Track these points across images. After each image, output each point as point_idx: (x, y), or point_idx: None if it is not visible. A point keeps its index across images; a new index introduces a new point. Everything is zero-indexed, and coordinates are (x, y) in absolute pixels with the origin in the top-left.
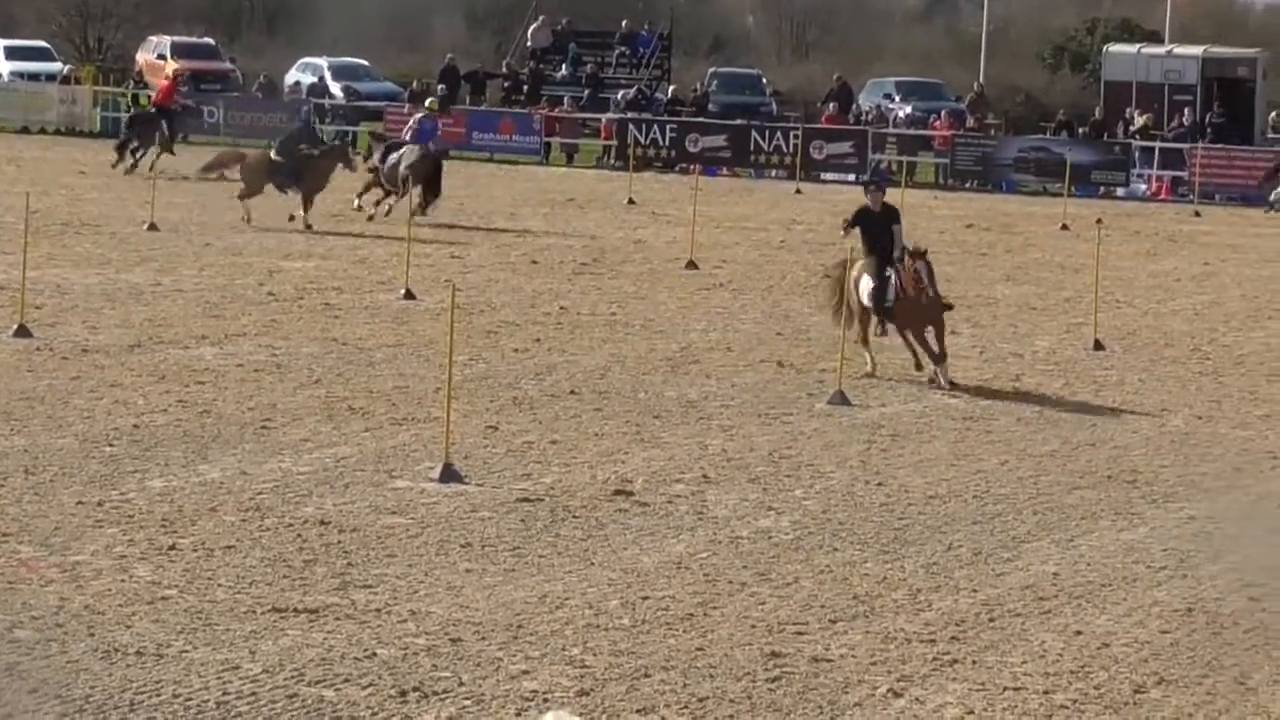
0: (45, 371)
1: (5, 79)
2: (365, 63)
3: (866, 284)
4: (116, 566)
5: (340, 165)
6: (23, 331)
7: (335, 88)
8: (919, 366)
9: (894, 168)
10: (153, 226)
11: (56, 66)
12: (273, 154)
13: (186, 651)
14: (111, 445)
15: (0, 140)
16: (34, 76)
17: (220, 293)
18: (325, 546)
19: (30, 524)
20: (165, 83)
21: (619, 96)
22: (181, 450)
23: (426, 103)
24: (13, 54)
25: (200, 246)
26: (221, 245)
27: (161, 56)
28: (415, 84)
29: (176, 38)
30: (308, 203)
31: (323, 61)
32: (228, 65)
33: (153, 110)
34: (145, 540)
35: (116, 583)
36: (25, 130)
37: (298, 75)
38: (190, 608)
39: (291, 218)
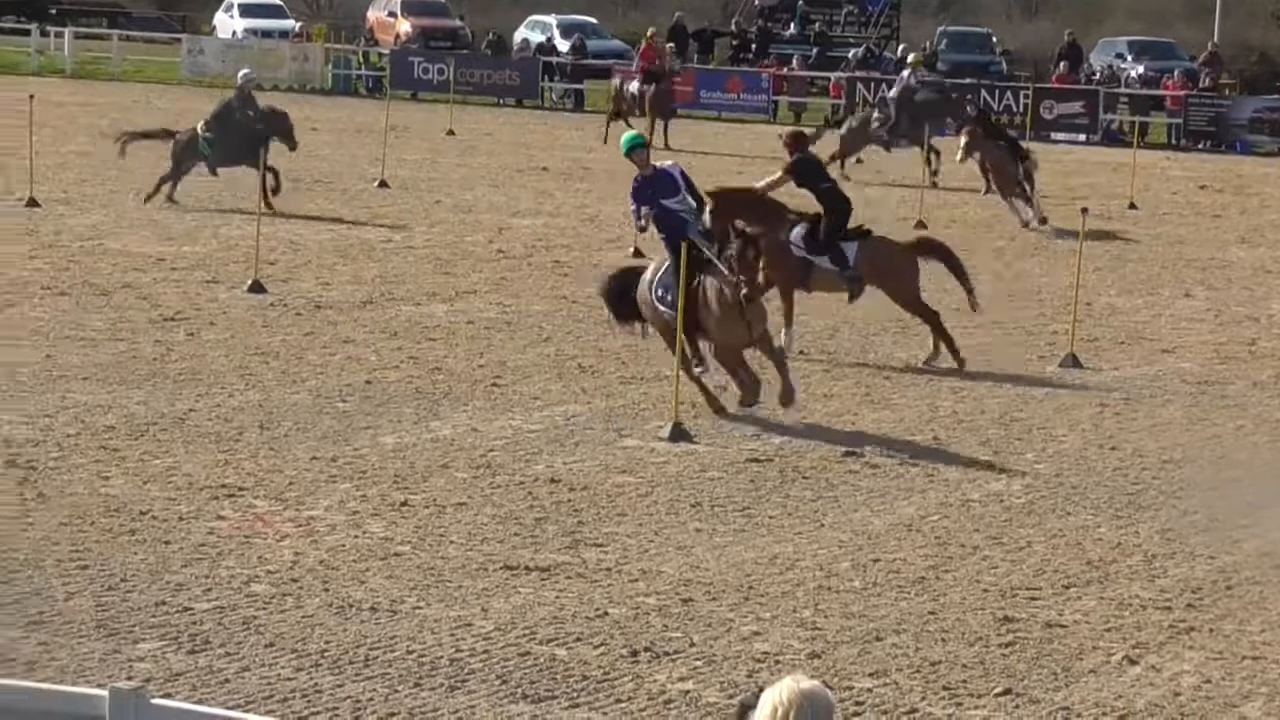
0: (279, 327)
1: (239, 36)
2: (594, 20)
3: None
4: (350, 522)
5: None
6: (257, 287)
7: (563, 45)
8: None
9: (1125, 128)
10: (383, 183)
11: (289, 24)
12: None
13: (420, 608)
14: (344, 401)
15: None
16: (267, 34)
17: (450, 249)
18: (556, 504)
19: (265, 479)
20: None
21: (849, 55)
22: (413, 407)
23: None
24: (247, 11)
25: (430, 203)
26: (451, 202)
27: (392, 14)
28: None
29: None
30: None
31: (551, 19)
32: (456, 23)
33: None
34: (378, 496)
35: (350, 538)
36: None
37: (526, 33)
38: (423, 564)
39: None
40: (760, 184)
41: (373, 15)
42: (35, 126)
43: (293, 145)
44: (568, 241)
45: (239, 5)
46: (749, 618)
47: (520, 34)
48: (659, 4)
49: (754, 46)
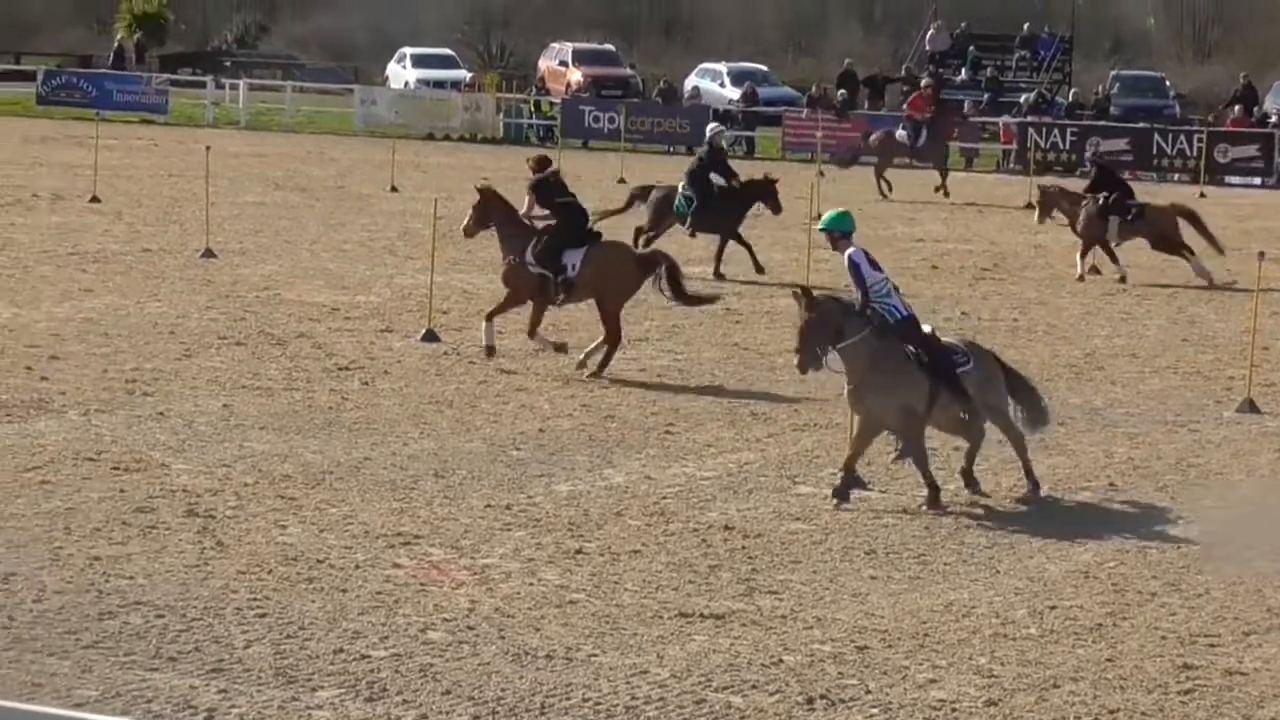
0: (452, 376)
1: (411, 86)
2: (764, 68)
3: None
4: (525, 570)
5: None
6: (431, 336)
7: (734, 93)
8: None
9: None
10: None
11: (461, 74)
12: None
13: (595, 655)
14: (518, 449)
15: (406, 147)
16: (439, 84)
17: None
18: (730, 552)
19: (441, 526)
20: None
21: (1020, 100)
22: (587, 454)
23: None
24: (419, 62)
25: None
26: None
27: (563, 63)
28: (814, 88)
29: (578, 44)
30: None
31: (721, 67)
32: (627, 71)
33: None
34: (553, 544)
35: (525, 586)
36: (430, 137)
37: (696, 80)
38: (598, 612)
39: None
40: (522, 210)
41: (544, 64)
42: (211, 178)
43: (777, 210)
44: (740, 290)
45: (411, 56)
46: (924, 665)
47: (690, 81)
48: (829, 51)
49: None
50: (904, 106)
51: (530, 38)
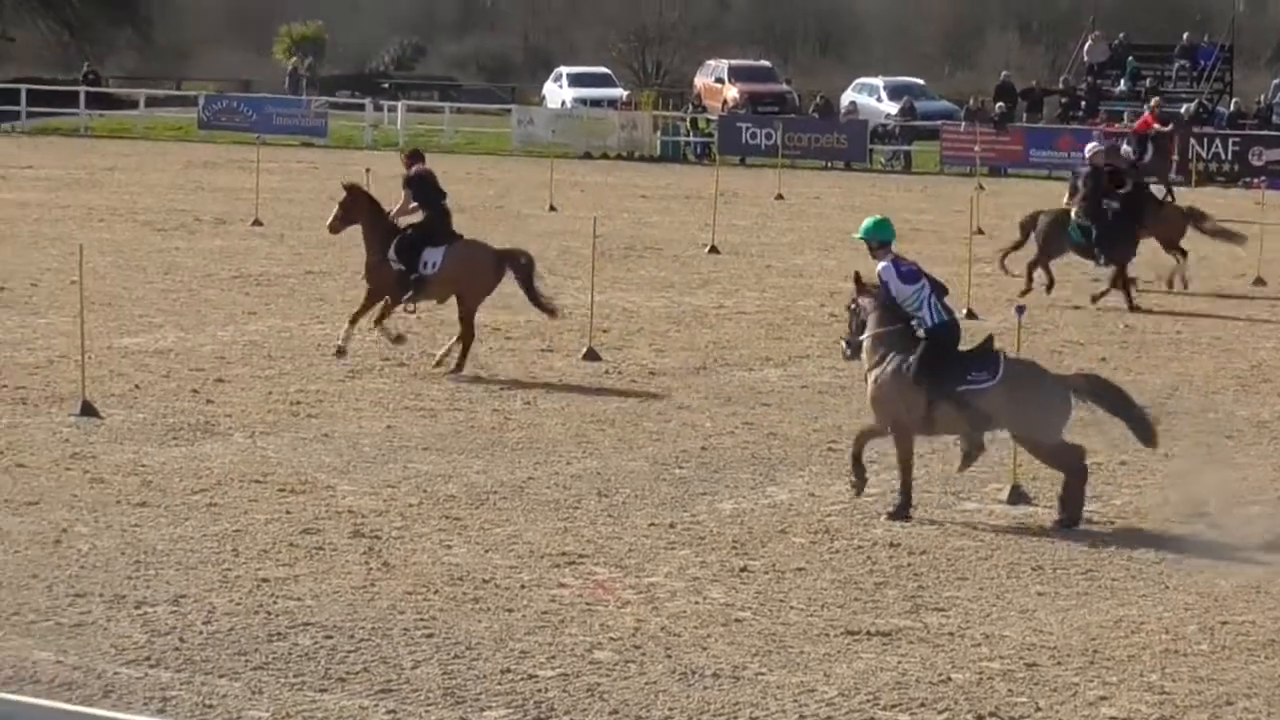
0: (614, 394)
1: (568, 105)
2: (920, 81)
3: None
4: (690, 588)
5: None
6: (592, 355)
7: (891, 107)
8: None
9: None
10: (714, 249)
11: (617, 92)
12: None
13: (762, 674)
14: (681, 467)
15: (563, 166)
16: (595, 103)
17: (782, 314)
18: (896, 568)
19: (605, 545)
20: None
21: (1181, 110)
22: (750, 472)
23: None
24: (575, 81)
25: (761, 268)
26: (782, 267)
27: (720, 80)
28: (971, 101)
29: (734, 61)
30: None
31: (878, 81)
32: (784, 87)
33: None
34: (717, 562)
35: (691, 604)
36: (587, 156)
37: (853, 95)
38: (764, 630)
39: None
40: (395, 208)
41: (700, 82)
42: None
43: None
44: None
45: (568, 75)
46: (1095, 682)
47: (847, 96)
48: (985, 64)
49: (1083, 104)
50: (1132, 124)
51: (686, 55)
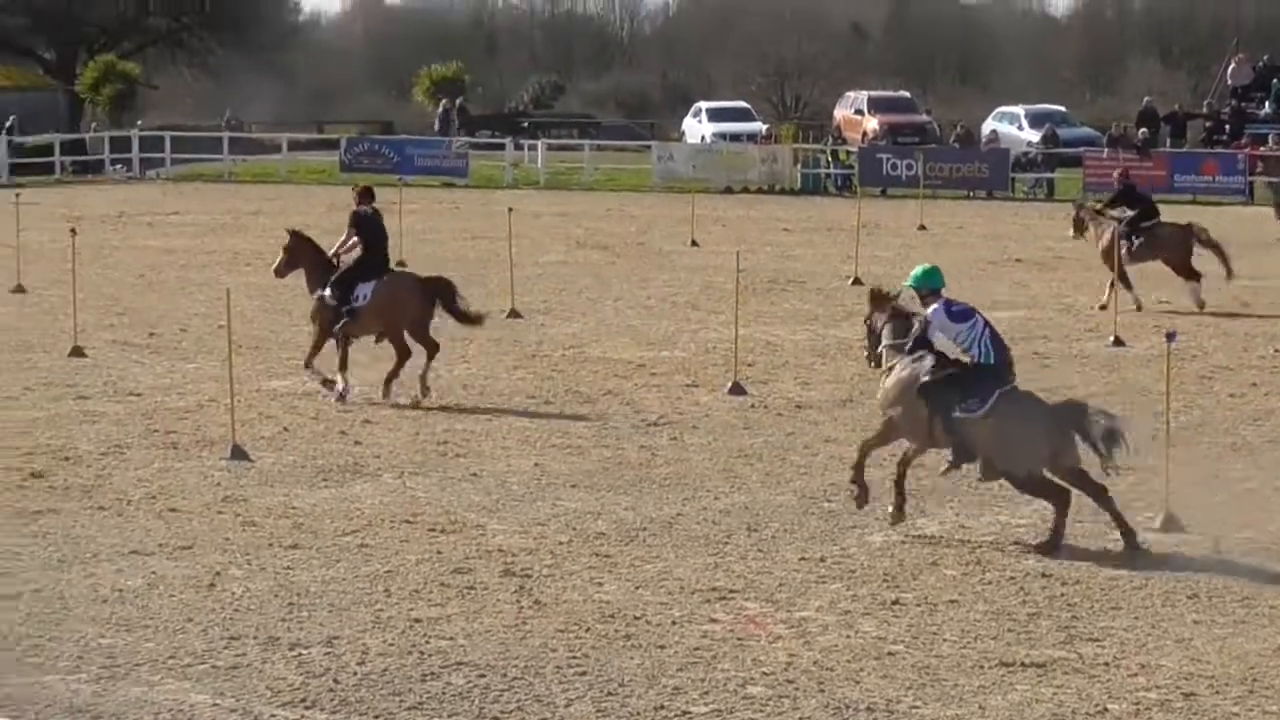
0: (761, 428)
1: (708, 140)
2: (1062, 108)
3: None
4: (842, 622)
5: None
6: (737, 389)
7: (1032, 135)
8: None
9: None
10: (857, 281)
11: (756, 126)
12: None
13: (916, 708)
14: (830, 501)
15: (704, 201)
16: (735, 137)
17: None
18: (1049, 599)
19: (755, 580)
20: None
21: None
22: None
23: None
24: (715, 116)
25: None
26: None
27: (859, 111)
28: (1114, 127)
29: (873, 92)
30: None
31: (1019, 109)
32: (924, 117)
33: None
34: (869, 595)
35: (843, 638)
36: (728, 190)
37: (994, 124)
38: (917, 663)
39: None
40: (338, 243)
41: (840, 114)
42: (513, 238)
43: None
44: (1045, 332)
45: (707, 110)
46: (1255, 712)
47: (988, 125)
48: (1127, 89)
49: (1227, 127)
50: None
51: (825, 87)
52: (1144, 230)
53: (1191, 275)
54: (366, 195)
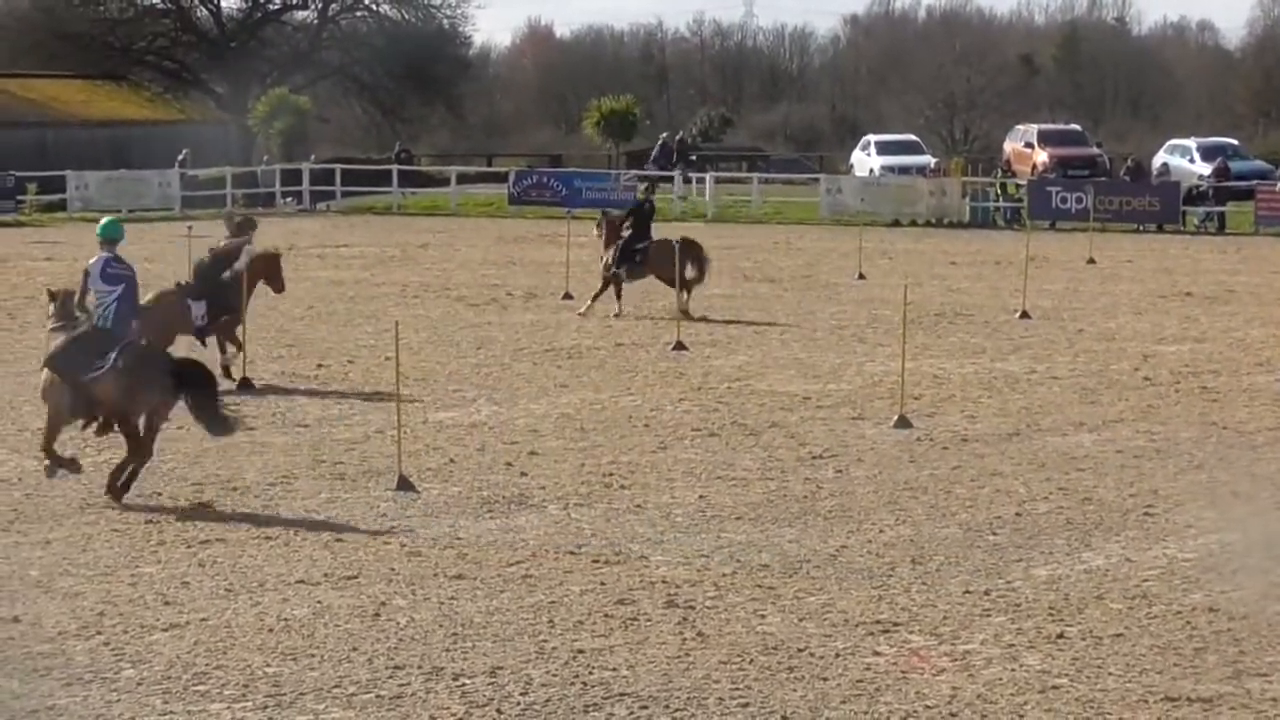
0: (926, 461)
1: (877, 174)
2: (1234, 141)
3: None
4: (1006, 655)
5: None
6: (903, 422)
7: (1204, 168)
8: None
9: None
10: (1025, 314)
11: (926, 159)
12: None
13: None
14: (995, 534)
15: (872, 234)
16: (904, 170)
17: (1095, 378)
18: (1215, 634)
19: (919, 613)
20: None
21: None
22: (1064, 538)
23: None
24: (884, 149)
25: (1073, 333)
26: (1094, 331)
27: (1029, 144)
28: None
29: (1043, 125)
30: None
31: (1190, 142)
32: (1094, 150)
33: None
34: (1033, 629)
35: (1007, 671)
36: (896, 223)
37: (1165, 157)
38: (1081, 696)
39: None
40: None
41: (1010, 146)
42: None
43: None
44: (1215, 367)
45: (875, 143)
46: None
47: (1159, 158)
48: None
49: None
50: None
51: (995, 120)
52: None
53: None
54: (246, 226)
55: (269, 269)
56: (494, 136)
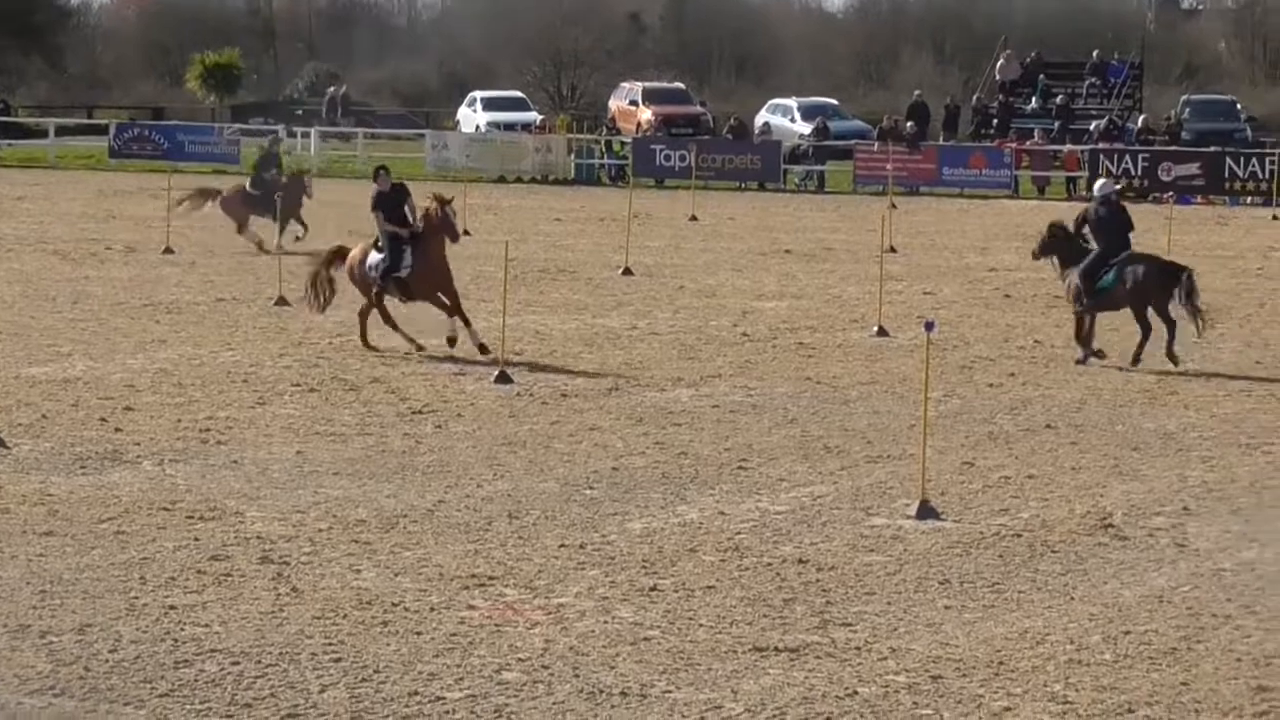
0: (526, 416)
1: (483, 130)
2: (834, 102)
3: (374, 258)
4: (599, 608)
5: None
6: (503, 378)
7: (804, 127)
8: (420, 347)
9: None
10: (627, 271)
11: (531, 116)
12: (247, 186)
13: (669, 692)
14: (592, 488)
15: (478, 190)
16: (509, 126)
17: (695, 334)
18: (804, 585)
19: (515, 567)
20: None
21: (1091, 127)
22: (660, 492)
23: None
24: (490, 105)
25: (674, 289)
26: (695, 288)
27: (634, 102)
28: (885, 121)
29: (648, 84)
30: (282, 226)
31: (792, 102)
32: (698, 109)
33: None
34: (627, 582)
35: (600, 624)
36: (501, 180)
37: (767, 116)
38: (672, 648)
39: (261, 244)
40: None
41: (614, 104)
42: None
43: None
44: (812, 323)
45: (482, 100)
46: (999, 693)
47: (761, 117)
48: (899, 83)
49: (995, 122)
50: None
51: (601, 79)
52: None
53: None
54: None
55: None
56: (96, 88)
